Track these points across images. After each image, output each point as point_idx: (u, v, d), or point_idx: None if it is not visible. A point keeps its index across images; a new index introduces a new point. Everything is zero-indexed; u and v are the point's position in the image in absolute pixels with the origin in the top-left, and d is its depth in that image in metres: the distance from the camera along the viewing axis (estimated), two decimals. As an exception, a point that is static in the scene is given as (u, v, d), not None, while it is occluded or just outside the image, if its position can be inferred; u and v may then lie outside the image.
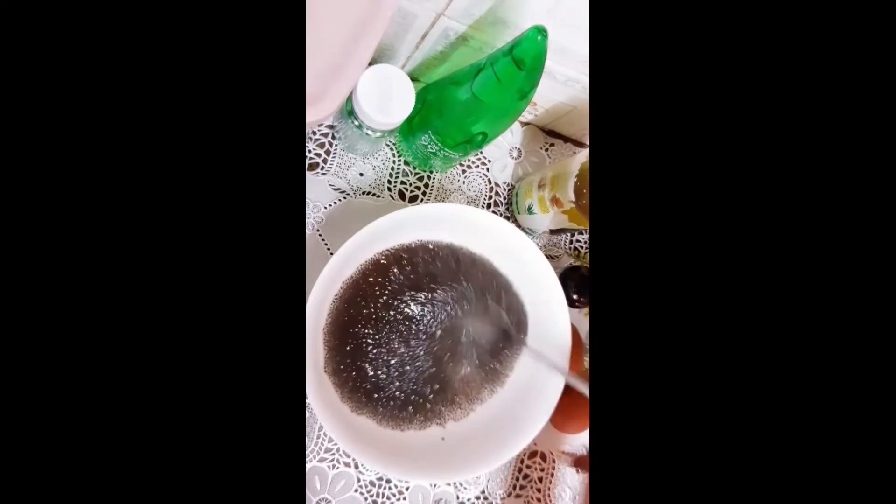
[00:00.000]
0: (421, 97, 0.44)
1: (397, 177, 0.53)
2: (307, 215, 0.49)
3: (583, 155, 0.44)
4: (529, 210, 0.51)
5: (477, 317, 0.48)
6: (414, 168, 0.53)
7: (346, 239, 0.41)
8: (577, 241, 0.59)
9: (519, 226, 0.55)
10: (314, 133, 0.50)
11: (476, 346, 0.48)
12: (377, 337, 0.46)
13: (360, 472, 0.50)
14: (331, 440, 0.49)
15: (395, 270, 0.47)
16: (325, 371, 0.45)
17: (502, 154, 0.57)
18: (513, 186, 0.56)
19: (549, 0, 0.39)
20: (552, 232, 0.55)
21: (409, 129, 0.48)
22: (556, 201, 0.47)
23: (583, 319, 0.56)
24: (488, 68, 0.38)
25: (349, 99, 0.42)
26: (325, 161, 0.51)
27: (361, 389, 0.46)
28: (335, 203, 0.50)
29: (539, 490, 0.55)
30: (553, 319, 0.47)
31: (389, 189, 0.52)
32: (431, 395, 0.47)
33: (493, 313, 0.47)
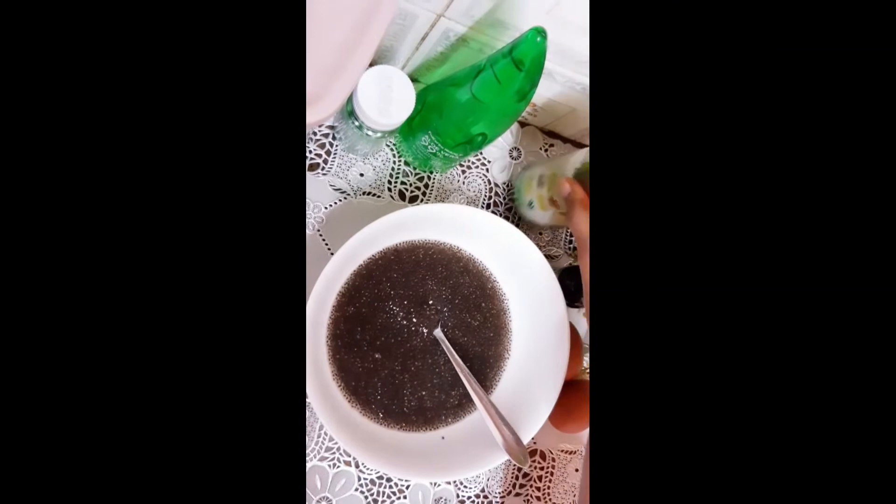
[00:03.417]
0: (421, 98, 0.45)
1: (397, 177, 0.53)
2: (307, 215, 0.49)
3: (579, 155, 0.44)
4: (530, 205, 0.51)
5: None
6: (414, 168, 0.53)
7: (346, 239, 0.41)
8: (577, 241, 0.59)
9: (520, 219, 0.55)
10: (315, 133, 0.51)
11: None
12: (377, 337, 0.46)
13: (361, 471, 0.50)
14: (331, 439, 0.49)
15: (396, 271, 0.47)
16: (326, 370, 0.45)
17: (502, 154, 0.57)
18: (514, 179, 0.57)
19: (548, 1, 0.39)
20: (552, 227, 0.55)
21: (410, 129, 0.48)
22: (553, 203, 0.47)
23: (582, 319, 0.56)
24: (488, 69, 0.38)
25: (349, 100, 0.42)
26: (325, 161, 0.51)
27: (362, 389, 0.46)
28: (335, 203, 0.50)
29: (539, 489, 0.55)
30: (552, 319, 0.47)
31: (390, 189, 0.53)
32: (433, 394, 0.48)
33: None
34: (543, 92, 0.50)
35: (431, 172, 0.54)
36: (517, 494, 0.54)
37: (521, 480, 0.55)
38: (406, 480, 0.51)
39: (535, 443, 0.56)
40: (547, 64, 0.37)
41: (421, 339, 0.47)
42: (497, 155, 0.56)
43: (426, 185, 0.54)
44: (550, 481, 0.56)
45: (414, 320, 0.47)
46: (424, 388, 0.47)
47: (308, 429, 0.48)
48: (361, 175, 0.52)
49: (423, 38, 0.46)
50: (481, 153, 0.56)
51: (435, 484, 0.52)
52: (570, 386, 0.49)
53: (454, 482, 0.53)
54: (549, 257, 0.48)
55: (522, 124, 0.58)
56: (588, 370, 0.56)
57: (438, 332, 0.47)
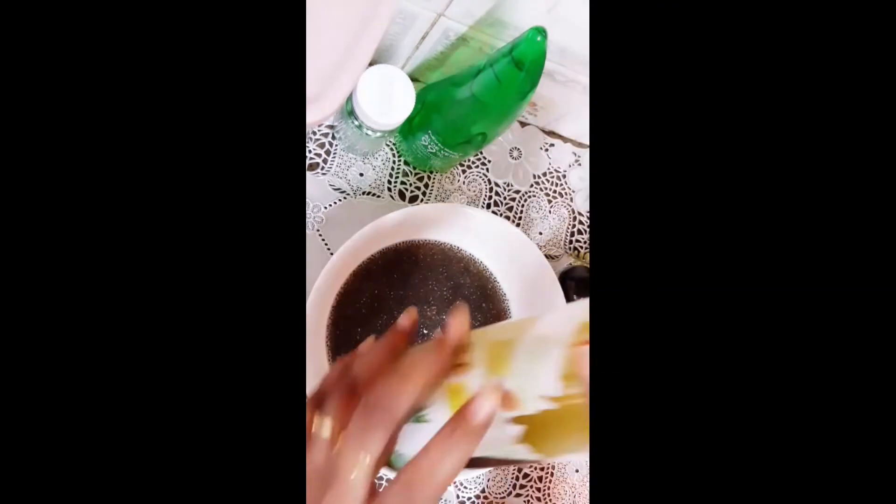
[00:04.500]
0: (421, 97, 0.44)
1: (397, 177, 0.53)
2: (307, 215, 0.49)
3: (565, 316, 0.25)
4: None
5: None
6: (414, 168, 0.53)
7: (346, 239, 0.41)
8: (577, 241, 0.59)
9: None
10: (314, 133, 0.50)
11: None
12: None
13: (360, 472, 0.50)
14: (331, 440, 0.49)
15: (395, 271, 0.47)
16: (326, 371, 0.45)
17: (502, 154, 0.57)
18: None
19: (548, 0, 0.39)
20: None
21: (409, 129, 0.48)
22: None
23: (583, 319, 0.56)
24: (488, 69, 0.38)
25: (349, 99, 0.42)
26: (325, 161, 0.51)
27: (361, 389, 0.46)
28: (335, 203, 0.50)
29: (539, 490, 0.55)
30: (553, 319, 0.47)
31: (389, 189, 0.52)
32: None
33: None
34: (543, 92, 0.50)
35: (431, 172, 0.54)
36: (517, 495, 0.54)
37: (521, 481, 0.55)
38: (406, 481, 0.51)
39: (535, 443, 0.56)
40: (547, 64, 0.37)
41: (421, 340, 0.47)
42: (497, 154, 0.56)
43: (426, 185, 0.54)
44: (551, 482, 0.56)
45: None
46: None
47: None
48: (361, 175, 0.52)
49: (424, 38, 0.46)
50: (481, 153, 0.56)
51: (435, 484, 0.52)
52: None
53: (454, 483, 0.52)
54: (549, 257, 0.48)
55: (522, 124, 0.58)
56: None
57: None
